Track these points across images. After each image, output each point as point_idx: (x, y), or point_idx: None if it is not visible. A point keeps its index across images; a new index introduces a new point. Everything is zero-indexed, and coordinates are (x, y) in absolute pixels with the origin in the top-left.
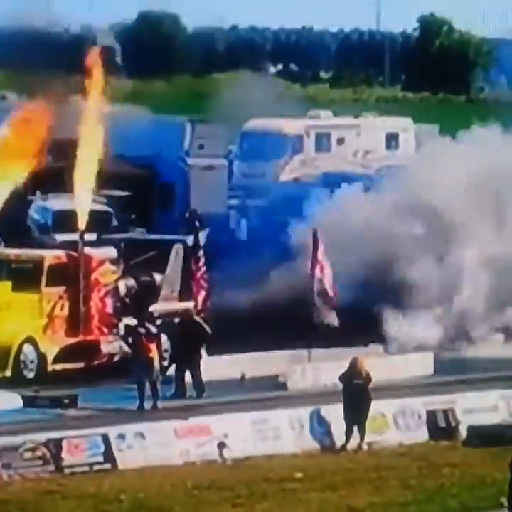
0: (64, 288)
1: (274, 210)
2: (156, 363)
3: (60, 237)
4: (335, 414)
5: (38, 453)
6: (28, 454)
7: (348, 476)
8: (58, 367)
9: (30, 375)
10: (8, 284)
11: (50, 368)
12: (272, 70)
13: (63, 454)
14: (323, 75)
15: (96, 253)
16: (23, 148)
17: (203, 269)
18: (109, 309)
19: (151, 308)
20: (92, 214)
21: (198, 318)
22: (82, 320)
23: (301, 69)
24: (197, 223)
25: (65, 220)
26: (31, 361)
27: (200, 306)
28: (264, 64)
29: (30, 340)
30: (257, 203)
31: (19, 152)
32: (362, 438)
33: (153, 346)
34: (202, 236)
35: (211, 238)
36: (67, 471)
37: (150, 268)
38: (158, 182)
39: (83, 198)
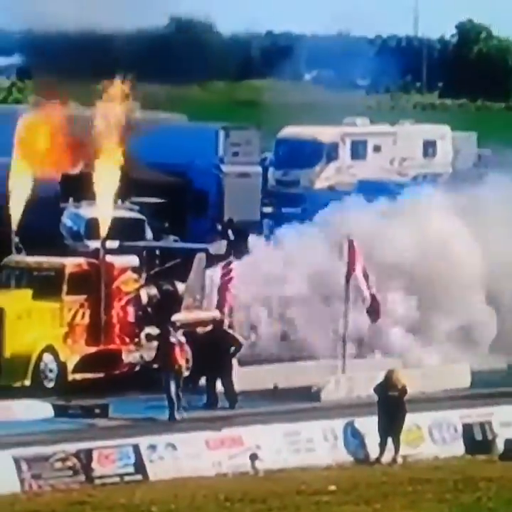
0: (85, 296)
1: (308, 218)
2: (183, 372)
3: (93, 245)
4: (369, 426)
5: (69, 463)
6: (58, 465)
7: (382, 490)
8: (78, 376)
9: (50, 384)
10: (29, 292)
11: (70, 377)
12: (308, 76)
13: (94, 465)
14: (359, 81)
15: (118, 261)
16: (51, 153)
17: (232, 279)
18: (131, 318)
19: (174, 318)
20: (125, 221)
21: (228, 329)
22: (103, 329)
23: (337, 75)
24: (230, 232)
25: (97, 228)
26: (51, 370)
27: (229, 316)
28: (300, 70)
29: (50, 349)
30: (292, 211)
31: (45, 157)
32: (397, 451)
33: (181, 355)
34: (225, 242)
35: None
36: (97, 481)
37: (172, 277)
38: (192, 189)
39: (105, 205)
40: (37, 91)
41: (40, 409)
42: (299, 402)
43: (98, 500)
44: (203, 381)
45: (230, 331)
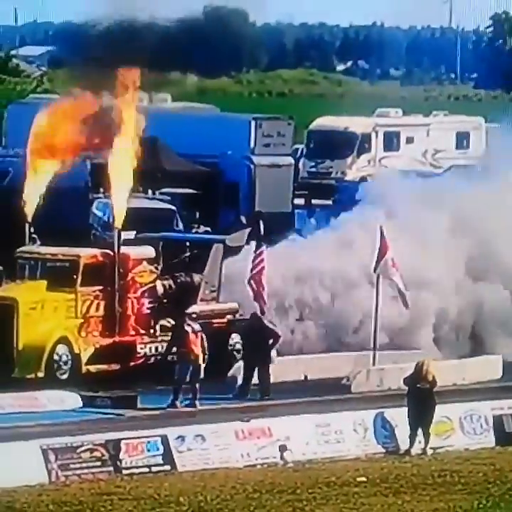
0: (100, 287)
1: (340, 209)
2: (200, 362)
3: (124, 235)
4: (399, 417)
5: (97, 454)
6: (86, 455)
7: (412, 481)
8: (92, 368)
9: (64, 376)
10: (43, 283)
11: (84, 369)
12: (341, 67)
13: (122, 455)
14: (393, 72)
15: (133, 252)
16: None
17: (263, 270)
18: (146, 310)
19: (190, 310)
20: (155, 212)
21: (267, 321)
22: (117, 320)
23: (370, 66)
24: (261, 224)
25: (128, 218)
26: (65, 362)
27: (262, 308)
28: (333, 61)
29: (64, 340)
30: (323, 203)
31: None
32: (427, 442)
33: (197, 345)
34: (244, 234)
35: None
36: (125, 472)
37: (189, 268)
38: (224, 180)
39: (120, 195)
40: (67, 81)
41: (68, 400)
42: (329, 393)
43: (126, 491)
44: (231, 372)
45: (269, 322)
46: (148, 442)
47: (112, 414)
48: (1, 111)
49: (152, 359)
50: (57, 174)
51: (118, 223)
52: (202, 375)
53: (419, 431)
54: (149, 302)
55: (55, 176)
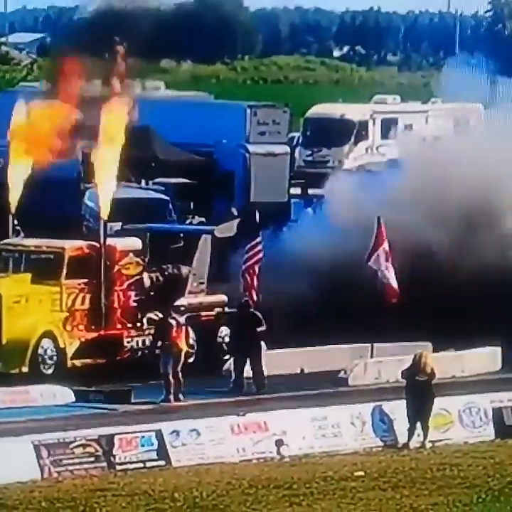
0: (85, 280)
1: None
2: (183, 355)
3: (114, 226)
4: (397, 410)
5: (90, 449)
6: (79, 451)
7: (410, 475)
8: (78, 362)
9: (49, 371)
10: (27, 276)
11: (69, 363)
12: (338, 53)
13: (115, 451)
14: (390, 58)
15: (120, 244)
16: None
17: (260, 261)
18: (133, 303)
19: (178, 303)
20: (148, 202)
21: (255, 311)
22: (103, 314)
23: (367, 52)
24: (257, 214)
25: (119, 209)
26: (50, 356)
27: (255, 299)
28: (330, 47)
29: (48, 334)
30: (320, 192)
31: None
32: (425, 436)
33: (181, 337)
34: (233, 225)
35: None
36: (119, 468)
37: (177, 260)
38: (218, 170)
39: (106, 185)
40: (56, 68)
41: (60, 394)
42: (326, 386)
43: (120, 487)
44: (226, 365)
45: (257, 313)
46: (143, 437)
47: (105, 408)
48: None
49: (139, 353)
50: (45, 164)
51: (104, 214)
52: (180, 368)
53: (418, 424)
54: (136, 295)
55: (43, 166)
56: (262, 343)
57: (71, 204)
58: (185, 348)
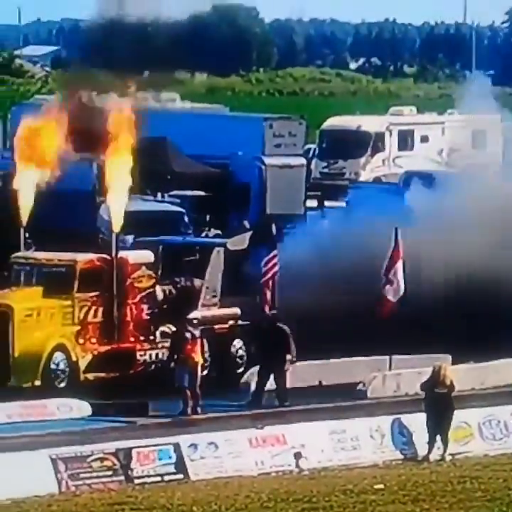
0: (97, 293)
1: (354, 211)
2: (199, 368)
3: (130, 239)
4: (417, 423)
5: (107, 463)
6: (96, 464)
7: (430, 488)
8: (91, 376)
9: (61, 384)
10: (39, 289)
11: (82, 377)
12: (354, 64)
13: (133, 464)
14: (406, 69)
15: (132, 256)
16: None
17: (276, 274)
18: (146, 316)
19: (191, 315)
20: (163, 215)
21: (281, 324)
22: (116, 327)
23: (383, 63)
24: (273, 227)
25: (134, 221)
26: (62, 370)
27: (273, 312)
28: (346, 58)
29: (61, 347)
30: (336, 204)
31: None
32: (445, 448)
33: (196, 350)
34: (246, 237)
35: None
36: (137, 481)
37: (189, 273)
38: (234, 182)
39: (118, 198)
40: (70, 81)
41: (78, 408)
42: (345, 399)
43: (137, 501)
44: (244, 378)
45: (282, 326)
46: (160, 450)
47: (123, 422)
48: (4, 112)
49: (152, 366)
50: (57, 176)
51: (116, 227)
52: (198, 381)
53: (438, 437)
54: (149, 308)
55: (54, 178)
56: (288, 357)
57: (85, 217)
58: (200, 361)
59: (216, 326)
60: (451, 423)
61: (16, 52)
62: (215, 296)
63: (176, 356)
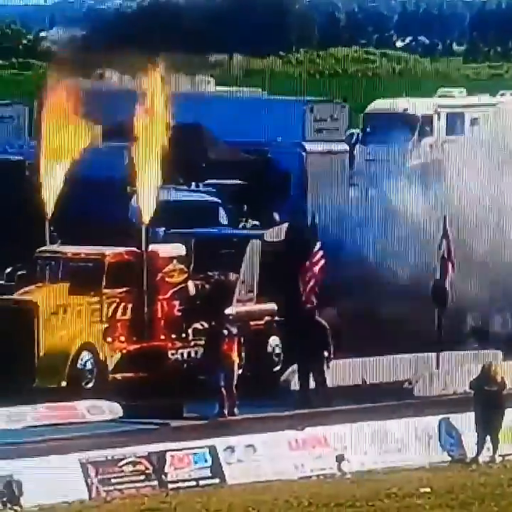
0: (127, 289)
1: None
2: (236, 367)
3: (161, 231)
4: (466, 423)
5: (140, 467)
6: (128, 469)
7: (479, 492)
8: (119, 376)
9: (89, 385)
10: (65, 285)
11: (110, 377)
12: (399, 43)
13: (167, 468)
14: (456, 48)
15: (163, 250)
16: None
17: (320, 266)
18: (177, 312)
19: (227, 311)
20: (197, 205)
21: (320, 319)
22: (146, 324)
23: (431, 41)
24: (314, 215)
25: (167, 212)
26: (90, 370)
27: (316, 306)
28: (391, 37)
29: (88, 346)
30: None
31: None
32: (495, 450)
33: (234, 349)
34: (282, 229)
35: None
36: (171, 486)
37: (224, 267)
38: (273, 169)
39: (148, 187)
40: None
41: (109, 410)
42: (390, 398)
43: (172, 506)
44: (283, 377)
45: (322, 322)
46: (196, 454)
47: (156, 424)
48: (30, 98)
49: (185, 365)
50: (86, 166)
51: (146, 218)
52: (235, 381)
53: (487, 437)
54: (180, 304)
55: (84, 168)
56: (326, 354)
57: (114, 208)
58: (237, 360)
59: (252, 323)
60: (502, 423)
61: (43, 34)
62: (250, 292)
63: (211, 354)
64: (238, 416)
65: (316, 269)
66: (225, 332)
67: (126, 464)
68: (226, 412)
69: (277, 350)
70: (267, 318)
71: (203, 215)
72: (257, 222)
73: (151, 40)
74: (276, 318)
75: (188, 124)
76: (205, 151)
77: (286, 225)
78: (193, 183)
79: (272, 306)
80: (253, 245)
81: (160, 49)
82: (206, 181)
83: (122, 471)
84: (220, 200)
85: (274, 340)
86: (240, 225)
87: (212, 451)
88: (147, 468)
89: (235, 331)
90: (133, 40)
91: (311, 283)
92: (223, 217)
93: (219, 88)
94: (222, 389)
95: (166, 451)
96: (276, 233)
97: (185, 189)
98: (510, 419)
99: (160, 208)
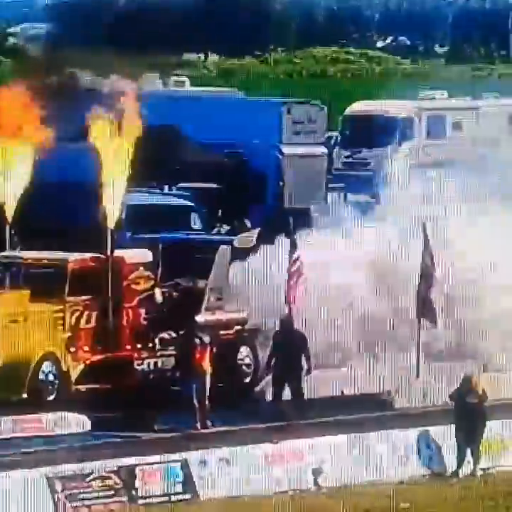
0: (91, 296)
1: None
2: (208, 378)
3: (133, 235)
4: (446, 436)
5: (109, 482)
6: (97, 483)
7: (460, 506)
8: (83, 387)
9: (51, 397)
10: (26, 292)
11: (73, 388)
12: (380, 43)
13: (137, 483)
14: (438, 49)
15: (128, 256)
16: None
17: (300, 273)
18: (144, 321)
19: (198, 319)
20: (169, 209)
21: (299, 329)
22: (111, 333)
23: (412, 42)
24: (291, 221)
25: (139, 216)
26: (51, 381)
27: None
28: (372, 37)
29: (50, 356)
30: (360, 197)
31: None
32: (476, 463)
33: (206, 359)
34: (254, 235)
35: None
36: (141, 502)
37: (193, 273)
38: (249, 173)
39: (113, 190)
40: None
41: (76, 422)
42: (368, 410)
43: None
44: (258, 387)
45: (300, 331)
46: (167, 468)
47: (126, 437)
48: None
49: (151, 376)
50: (50, 167)
51: (111, 223)
52: (207, 392)
53: (468, 450)
54: (147, 312)
55: (47, 170)
56: (304, 364)
57: (79, 212)
58: (210, 370)
59: (221, 332)
60: (482, 435)
61: (10, 30)
62: (220, 299)
63: (183, 364)
64: (211, 428)
65: (294, 278)
66: (197, 341)
67: (95, 478)
68: (199, 424)
69: (248, 361)
70: (237, 327)
71: (175, 218)
72: (229, 227)
73: (122, 39)
74: (247, 327)
75: (161, 126)
76: (178, 153)
77: (257, 230)
78: (166, 186)
79: (243, 314)
80: (223, 251)
81: (132, 48)
82: (179, 184)
83: (91, 486)
84: (193, 204)
85: (244, 350)
86: (215, 230)
87: (184, 465)
88: (117, 484)
89: (207, 339)
90: (104, 40)
91: (290, 292)
92: (197, 222)
93: (193, 88)
94: (194, 400)
95: (136, 465)
96: (248, 239)
97: (158, 192)
98: (491, 431)
99: (131, 211)
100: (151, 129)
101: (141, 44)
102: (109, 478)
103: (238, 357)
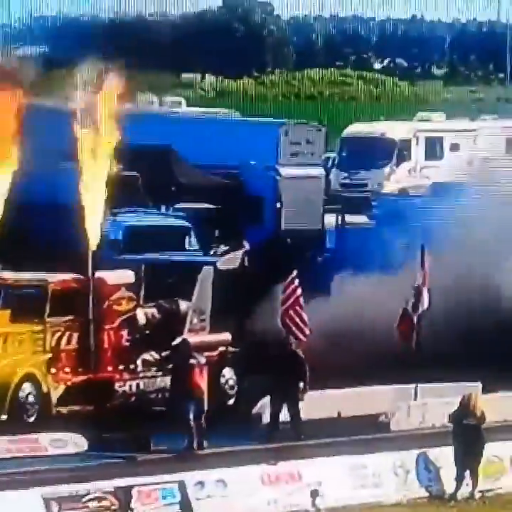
0: (72, 317)
1: (377, 225)
2: (205, 398)
3: (131, 256)
4: (444, 458)
5: (105, 503)
6: (93, 504)
7: None
8: (64, 409)
9: (31, 418)
10: (6, 312)
11: (54, 410)
12: (378, 65)
13: (134, 504)
14: (435, 71)
15: (110, 277)
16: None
17: (297, 294)
18: (125, 342)
19: (176, 342)
20: (165, 230)
21: (296, 350)
22: (92, 355)
23: (410, 64)
24: (289, 241)
25: (138, 237)
26: (31, 403)
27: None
28: (369, 59)
29: (30, 378)
30: (358, 219)
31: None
32: (475, 485)
33: (203, 379)
34: (238, 256)
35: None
36: None
37: (175, 295)
38: (246, 194)
39: (93, 210)
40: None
41: (72, 442)
42: (366, 431)
43: None
44: (255, 409)
45: (298, 353)
46: (164, 489)
47: (122, 457)
48: None
49: (133, 398)
50: (31, 188)
51: (92, 244)
52: (204, 413)
53: (467, 472)
54: (129, 334)
55: (28, 191)
56: (301, 385)
57: (61, 232)
58: (206, 391)
59: (205, 354)
60: (481, 457)
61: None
62: (203, 320)
63: (180, 386)
64: (208, 449)
65: (293, 301)
66: (193, 361)
67: (91, 499)
68: (196, 445)
69: (231, 383)
70: (220, 348)
71: (172, 239)
72: (227, 248)
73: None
74: (231, 348)
75: (157, 146)
76: (175, 174)
77: (241, 251)
78: (163, 207)
79: (226, 335)
80: (206, 272)
81: (128, 67)
82: (176, 205)
83: (87, 506)
84: (190, 225)
85: (228, 372)
86: (211, 251)
87: (181, 486)
88: (113, 504)
89: (203, 360)
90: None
91: (292, 317)
92: (193, 242)
93: (190, 109)
94: (191, 421)
95: (132, 486)
96: (232, 260)
97: (154, 213)
98: (489, 453)
99: (128, 232)
100: (148, 149)
101: (137, 64)
102: (106, 498)
103: (221, 379)
